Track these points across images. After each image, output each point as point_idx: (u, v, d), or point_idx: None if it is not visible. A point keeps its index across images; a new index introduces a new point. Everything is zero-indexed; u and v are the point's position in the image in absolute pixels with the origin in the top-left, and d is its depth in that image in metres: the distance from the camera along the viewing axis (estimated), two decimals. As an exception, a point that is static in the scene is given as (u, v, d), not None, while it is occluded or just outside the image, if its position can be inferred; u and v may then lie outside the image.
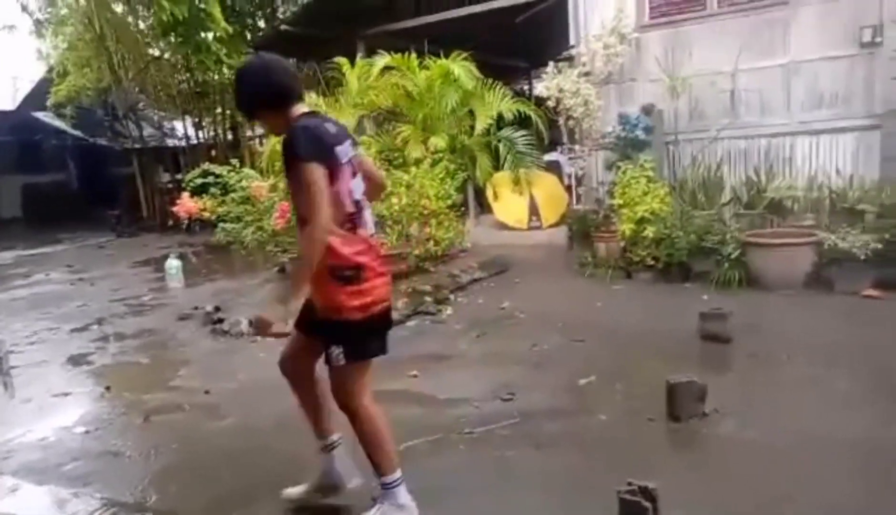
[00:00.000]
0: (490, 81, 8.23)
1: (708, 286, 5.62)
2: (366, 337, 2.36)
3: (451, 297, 5.98)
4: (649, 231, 6.07)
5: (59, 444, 3.53)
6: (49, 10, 13.55)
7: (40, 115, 15.87)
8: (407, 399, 3.84)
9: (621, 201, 6.42)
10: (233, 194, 7.06)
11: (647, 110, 7.07)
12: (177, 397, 4.16)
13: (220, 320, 5.68)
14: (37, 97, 15.34)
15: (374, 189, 2.69)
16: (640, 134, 6.80)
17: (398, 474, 2.43)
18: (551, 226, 9.00)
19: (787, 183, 6.38)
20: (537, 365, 4.24)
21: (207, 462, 3.25)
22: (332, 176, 2.22)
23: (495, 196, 9.07)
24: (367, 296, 2.30)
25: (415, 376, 4.14)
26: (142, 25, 13.14)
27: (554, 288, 6.26)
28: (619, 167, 6.75)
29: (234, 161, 7.58)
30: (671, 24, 7.27)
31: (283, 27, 10.35)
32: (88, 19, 12.58)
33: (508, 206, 9.17)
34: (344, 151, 2.30)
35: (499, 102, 8.08)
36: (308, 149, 2.19)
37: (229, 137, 14.33)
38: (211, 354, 5.08)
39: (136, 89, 14.14)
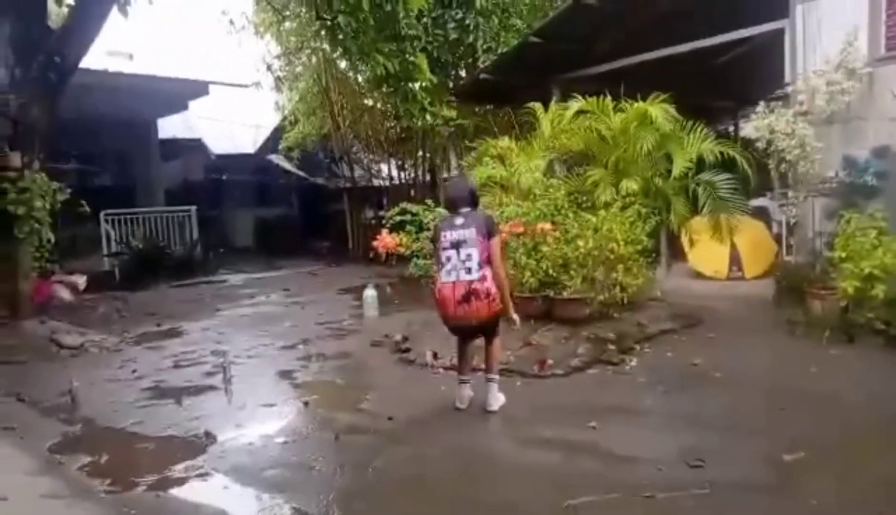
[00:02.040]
0: (690, 122, 7.81)
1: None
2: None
3: (637, 347, 5.66)
4: (879, 290, 5.25)
5: (262, 451, 3.93)
6: (287, 68, 15.68)
7: (273, 157, 18.32)
8: (584, 451, 3.69)
9: (844, 254, 5.64)
10: (426, 232, 7.46)
11: (881, 153, 6.19)
12: (363, 419, 4.43)
13: (408, 350, 5.98)
14: (272, 142, 17.74)
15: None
16: (869, 179, 5.98)
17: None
18: (755, 278, 8.20)
19: None
20: (733, 432, 3.83)
21: (385, 487, 3.39)
22: (436, 243, 4.25)
23: (691, 243, 8.50)
24: (440, 309, 4.22)
25: (594, 427, 3.97)
26: (360, 78, 14.63)
27: (756, 347, 5.65)
28: (842, 216, 5.97)
29: (429, 201, 8.02)
30: (915, 55, 6.34)
31: (482, 76, 10.84)
32: (317, 75, 14.35)
33: (706, 254, 8.55)
34: (446, 234, 4.17)
35: (699, 143, 7.62)
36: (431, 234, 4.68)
37: (427, 178, 15.26)
38: (397, 381, 5.35)
39: (352, 135, 15.71)
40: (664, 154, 7.79)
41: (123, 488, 3.44)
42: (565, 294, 6.12)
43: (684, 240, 8.55)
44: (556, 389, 4.84)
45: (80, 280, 9.58)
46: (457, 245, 4.10)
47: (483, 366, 4.45)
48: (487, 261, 4.11)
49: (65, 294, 9.08)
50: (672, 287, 7.65)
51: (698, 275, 8.69)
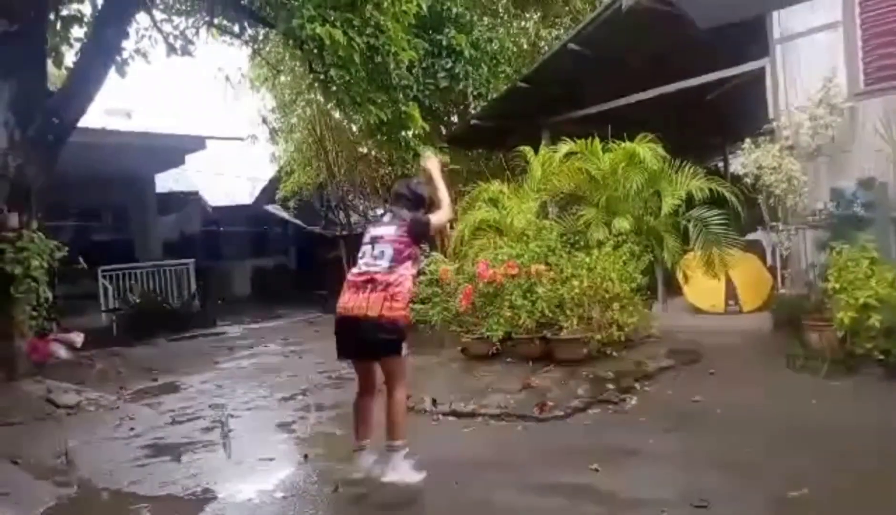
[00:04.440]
0: (679, 160, 7.93)
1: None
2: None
3: (637, 386, 5.63)
4: (875, 320, 5.26)
5: (261, 507, 3.87)
6: (282, 120, 15.97)
7: (270, 207, 18.49)
8: (587, 496, 3.64)
9: (837, 285, 5.67)
10: (421, 277, 7.48)
11: (867, 184, 6.28)
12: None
13: (406, 396, 5.92)
14: (268, 193, 17.93)
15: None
16: (858, 210, 6.05)
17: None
18: (752, 311, 8.20)
19: None
20: (736, 469, 3.79)
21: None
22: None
23: (686, 279, 8.53)
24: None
25: (596, 470, 3.92)
26: (354, 128, 14.90)
27: (756, 382, 5.62)
28: (832, 247, 6.02)
29: (424, 246, 8.07)
30: (894, 89, 6.50)
31: (473, 122, 11.05)
32: (312, 125, 14.62)
33: (702, 289, 8.56)
34: (369, 229, 3.91)
35: (687, 181, 7.72)
36: None
37: (423, 222, 15.39)
38: (396, 430, 5.28)
39: (347, 183, 15.90)
40: (654, 192, 7.88)
41: (119, 551, 3.39)
42: (563, 335, 6.12)
43: (679, 276, 8.59)
44: (557, 431, 4.80)
45: (78, 338, 9.52)
46: (373, 241, 3.76)
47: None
48: (404, 262, 3.70)
49: (62, 352, 9.02)
50: (669, 323, 7.64)
51: (695, 310, 8.69)
